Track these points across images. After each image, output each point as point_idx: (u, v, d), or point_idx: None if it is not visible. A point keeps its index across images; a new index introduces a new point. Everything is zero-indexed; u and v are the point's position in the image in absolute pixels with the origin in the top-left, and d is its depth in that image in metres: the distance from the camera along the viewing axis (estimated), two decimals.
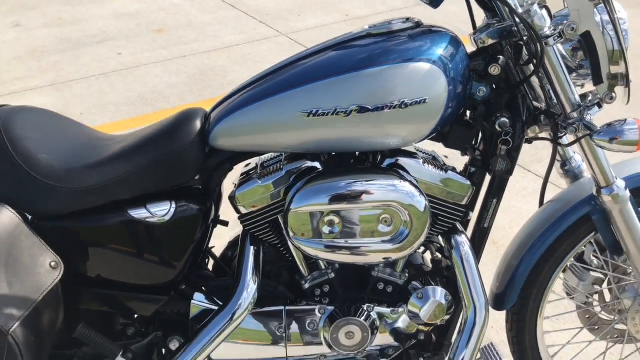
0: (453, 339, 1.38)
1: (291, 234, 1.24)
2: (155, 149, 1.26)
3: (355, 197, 1.20)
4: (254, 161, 1.39)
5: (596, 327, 1.59)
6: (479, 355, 1.29)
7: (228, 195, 1.33)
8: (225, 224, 1.43)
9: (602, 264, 1.51)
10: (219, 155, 1.30)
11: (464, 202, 1.31)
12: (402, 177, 1.22)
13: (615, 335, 1.60)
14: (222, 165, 1.32)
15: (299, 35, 4.22)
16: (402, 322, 1.37)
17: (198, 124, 1.28)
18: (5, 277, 1.10)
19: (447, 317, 1.37)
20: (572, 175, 1.49)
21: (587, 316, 1.60)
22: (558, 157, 1.48)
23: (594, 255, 1.53)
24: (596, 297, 1.57)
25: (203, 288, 1.39)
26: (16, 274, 1.12)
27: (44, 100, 3.37)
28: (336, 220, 1.22)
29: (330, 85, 1.16)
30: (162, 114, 1.49)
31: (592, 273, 1.53)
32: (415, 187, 1.21)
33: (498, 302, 1.48)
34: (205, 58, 3.89)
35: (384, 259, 1.25)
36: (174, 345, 1.38)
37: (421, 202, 1.21)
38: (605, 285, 1.54)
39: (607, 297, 1.57)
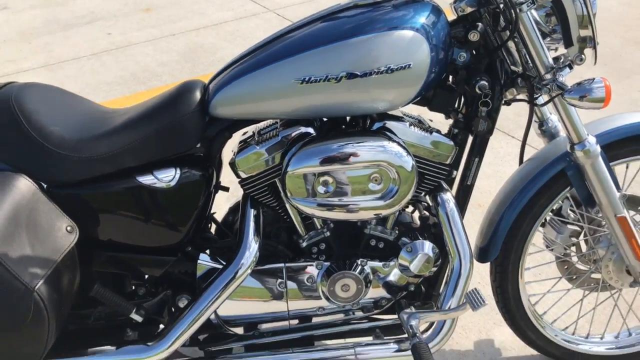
0: (441, 290, 1.49)
1: (289, 195, 1.34)
2: (159, 119, 1.34)
3: (347, 158, 1.30)
4: (250, 129, 1.48)
5: (574, 277, 1.71)
6: (464, 301, 1.40)
7: (228, 161, 1.43)
8: (226, 189, 1.52)
9: (578, 218, 1.62)
10: (218, 124, 1.39)
11: (448, 162, 1.41)
12: (390, 139, 1.32)
13: (591, 284, 1.72)
14: (221, 133, 1.40)
15: (286, 11, 4.27)
16: (393, 275, 1.48)
17: (198, 95, 1.37)
18: (27, 240, 1.19)
19: (435, 269, 1.48)
20: (549, 135, 1.59)
21: (565, 267, 1.71)
22: (536, 119, 1.58)
23: (570, 210, 1.64)
24: (573, 249, 1.69)
25: (207, 249, 1.49)
26: (37, 238, 1.21)
27: (37, 81, 3.41)
28: (330, 180, 1.31)
29: (321, 53, 1.25)
30: (155, 92, 1.55)
31: (569, 226, 1.64)
32: (403, 147, 1.31)
33: (482, 254, 1.59)
34: (195, 36, 3.93)
35: (374, 215, 1.36)
36: (182, 302, 1.48)
37: (408, 162, 1.31)
38: (581, 237, 1.66)
39: (583, 248, 1.68)
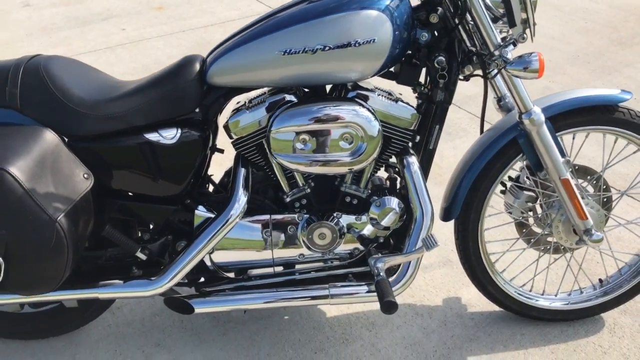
0: (405, 240, 1.70)
1: (273, 152, 1.56)
2: (163, 85, 1.58)
3: (322, 119, 1.52)
4: (242, 98, 1.71)
5: (530, 239, 1.92)
6: (421, 244, 1.61)
7: (223, 125, 1.66)
8: (221, 151, 1.75)
9: (533, 184, 1.83)
10: (214, 92, 1.62)
11: (412, 127, 1.63)
12: (360, 105, 1.54)
13: (546, 246, 1.92)
14: (217, 100, 1.63)
15: None
16: (365, 227, 1.70)
17: (197, 66, 1.60)
18: (52, 182, 1.42)
19: (400, 223, 1.69)
20: (506, 109, 1.80)
21: (523, 229, 1.92)
22: (494, 95, 1.80)
23: (526, 178, 1.85)
24: (530, 213, 1.90)
25: (204, 202, 1.72)
26: (59, 180, 1.44)
27: None
28: (307, 138, 1.54)
29: (300, 29, 1.48)
30: None
31: (525, 192, 1.85)
32: (371, 112, 1.53)
33: (445, 214, 1.80)
34: (203, 32, 4.18)
35: (346, 170, 1.58)
36: (180, 247, 1.71)
37: (375, 125, 1.53)
38: (537, 202, 1.87)
39: (539, 212, 1.89)
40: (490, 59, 1.57)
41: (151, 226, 1.73)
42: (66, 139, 1.54)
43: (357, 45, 1.47)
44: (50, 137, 1.48)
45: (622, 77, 3.52)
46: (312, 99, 1.58)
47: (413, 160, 1.66)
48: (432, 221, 1.65)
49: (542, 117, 1.64)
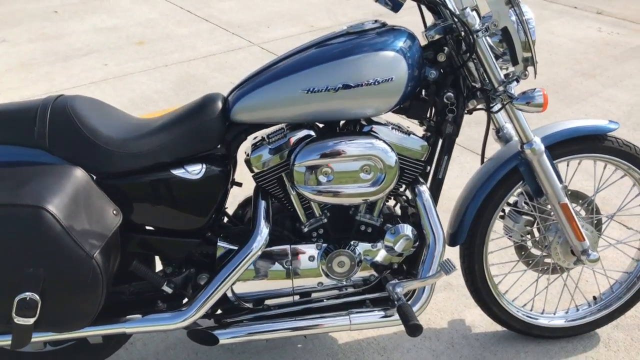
0: (419, 265, 1.78)
1: (296, 184, 1.64)
2: (189, 122, 1.64)
3: (343, 152, 1.61)
4: (260, 134, 1.78)
5: (529, 261, 2.04)
6: (439, 269, 1.69)
7: (244, 159, 1.73)
8: (239, 184, 1.81)
9: (531, 209, 1.95)
10: (236, 128, 1.69)
11: (422, 159, 1.73)
12: (377, 138, 1.64)
13: (544, 267, 2.04)
14: (238, 135, 1.71)
15: (270, 44, 4.63)
16: (380, 254, 1.78)
17: (219, 104, 1.67)
18: (85, 218, 1.45)
19: (414, 249, 1.78)
20: (504, 139, 1.93)
21: (522, 252, 2.04)
22: (493, 126, 1.92)
23: (524, 203, 1.97)
24: (528, 236, 2.01)
25: (224, 235, 1.77)
26: (92, 217, 1.47)
27: None
28: (329, 171, 1.62)
29: (323, 69, 1.57)
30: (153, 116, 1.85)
31: (524, 216, 1.97)
32: (388, 145, 1.63)
33: (452, 239, 1.90)
34: (186, 66, 4.25)
35: (365, 199, 1.66)
36: (202, 280, 1.75)
37: (392, 156, 1.63)
38: (534, 226, 1.99)
39: (536, 235, 2.01)
40: (494, 94, 1.70)
41: (170, 260, 1.77)
42: (94, 177, 1.58)
43: (376, 83, 1.57)
44: (81, 174, 1.52)
45: (589, 105, 3.75)
46: (331, 134, 1.67)
47: (424, 189, 1.76)
48: (444, 246, 1.74)
49: (542, 147, 1.77)
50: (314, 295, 1.82)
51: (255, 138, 1.78)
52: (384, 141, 1.64)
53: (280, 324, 1.75)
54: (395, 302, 1.66)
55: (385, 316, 1.76)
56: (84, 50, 4.49)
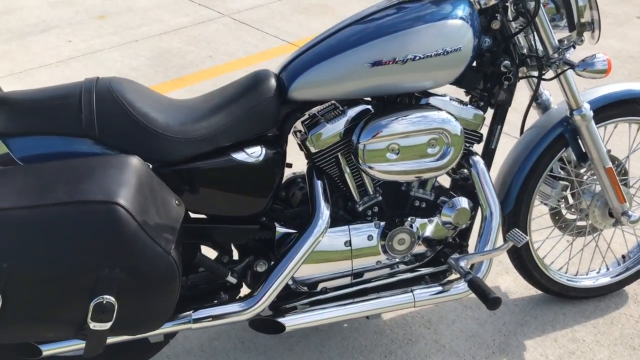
0: (478, 236, 1.76)
1: (361, 162, 1.57)
2: (245, 103, 1.53)
3: (410, 127, 1.55)
4: (307, 113, 1.69)
5: (563, 226, 2.07)
6: (508, 240, 1.68)
7: (300, 139, 1.64)
8: (290, 165, 1.73)
9: (567, 174, 1.97)
10: (290, 107, 1.60)
11: (479, 129, 1.70)
12: (441, 110, 1.59)
13: (578, 230, 2.08)
14: (293, 114, 1.62)
15: (241, 15, 4.45)
16: (437, 229, 1.75)
17: (273, 82, 1.57)
18: (155, 212, 1.34)
19: (470, 221, 1.77)
20: (543, 107, 1.93)
21: (557, 217, 2.07)
22: (531, 92, 1.92)
23: (560, 168, 1.99)
24: (562, 202, 2.04)
25: (279, 219, 1.69)
26: (159, 209, 1.35)
27: (8, 89, 3.37)
28: (396, 147, 1.57)
29: (388, 41, 1.50)
30: None
31: (561, 182, 1.99)
32: (452, 116, 1.59)
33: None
34: (158, 41, 4.02)
35: (432, 174, 1.62)
36: (260, 267, 1.67)
37: (458, 127, 1.59)
38: (568, 191, 2.01)
39: (570, 200, 2.04)
40: (548, 61, 1.68)
41: (225, 249, 1.67)
42: (150, 166, 1.46)
43: (445, 54, 1.52)
44: (140, 164, 1.39)
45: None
46: (391, 109, 1.61)
47: (478, 160, 1.74)
48: (501, 216, 1.74)
49: (591, 113, 1.78)
50: (368, 275, 1.77)
51: (303, 117, 1.69)
52: (449, 112, 1.59)
53: (344, 306, 1.70)
54: (464, 277, 1.65)
55: (447, 290, 1.74)
56: (40, 27, 4.15)
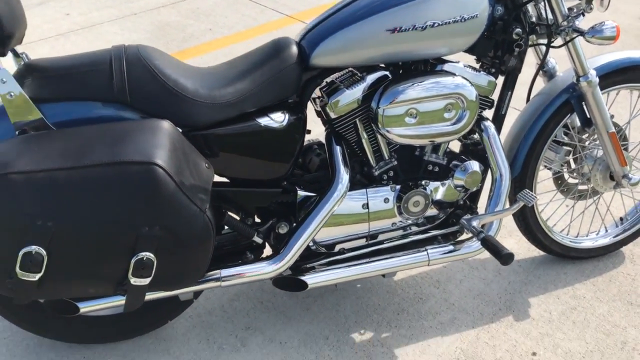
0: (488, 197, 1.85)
1: (380, 127, 1.64)
2: (268, 70, 1.58)
3: (428, 92, 1.62)
4: (325, 80, 1.74)
5: (565, 190, 2.16)
6: (519, 200, 1.77)
7: (319, 105, 1.70)
8: (309, 131, 1.79)
9: (571, 140, 2.06)
10: (310, 74, 1.66)
11: (491, 95, 1.77)
12: (457, 75, 1.65)
13: (579, 194, 2.18)
14: (313, 81, 1.67)
15: None
16: (449, 192, 1.83)
17: (295, 49, 1.62)
18: (189, 173, 1.39)
19: (481, 184, 1.85)
20: (549, 74, 2.01)
21: (559, 181, 2.16)
22: (538, 61, 1.99)
23: (564, 134, 2.07)
24: (565, 166, 2.13)
25: (299, 183, 1.75)
26: (192, 171, 1.41)
27: (10, 64, 3.37)
28: (415, 111, 1.63)
29: (409, 7, 1.56)
30: None
31: (564, 147, 2.07)
32: (468, 81, 1.65)
33: None
34: (157, 14, 4.02)
35: (448, 138, 1.69)
36: (282, 229, 1.74)
37: (473, 92, 1.66)
38: (571, 156, 2.10)
39: (573, 165, 2.13)
40: (557, 29, 1.75)
41: (248, 212, 1.74)
42: (180, 130, 1.51)
43: (462, 21, 1.58)
44: (172, 128, 1.44)
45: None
46: (409, 75, 1.67)
47: (489, 124, 1.81)
48: (510, 178, 1.82)
49: (597, 79, 1.85)
50: (383, 236, 1.85)
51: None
52: (464, 78, 1.66)
53: (362, 265, 1.78)
54: (477, 236, 1.73)
55: (460, 249, 1.83)
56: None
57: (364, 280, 2.11)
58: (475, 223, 1.77)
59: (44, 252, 1.28)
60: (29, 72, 1.45)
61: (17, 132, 1.44)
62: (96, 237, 1.30)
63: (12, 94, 1.41)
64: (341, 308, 2.01)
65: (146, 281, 1.36)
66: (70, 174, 1.29)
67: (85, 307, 1.53)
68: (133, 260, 1.33)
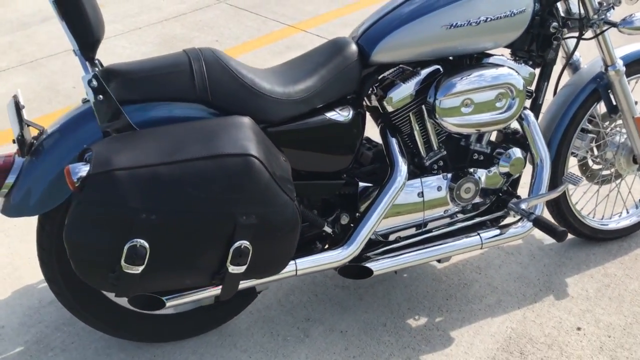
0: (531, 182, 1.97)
1: (438, 117, 1.74)
2: (333, 67, 1.68)
3: (481, 83, 1.73)
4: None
5: (589, 175, 2.30)
6: (565, 181, 1.89)
7: (377, 100, 1.79)
8: None
9: (594, 128, 2.20)
10: (368, 70, 1.75)
11: (531, 86, 1.90)
12: (505, 67, 1.77)
13: (602, 179, 2.32)
14: (370, 77, 1.77)
15: (236, 1, 4.53)
16: (495, 178, 1.94)
17: (354, 47, 1.72)
18: (276, 164, 1.47)
19: (523, 170, 1.96)
20: (574, 67, 2.15)
21: (584, 168, 2.30)
22: (563, 54, 2.13)
23: (587, 122, 2.21)
24: (589, 153, 2.27)
25: (358, 175, 1.84)
26: (277, 163, 1.49)
27: (24, 79, 3.38)
28: (469, 101, 1.74)
29: (464, 5, 1.67)
30: None
31: (589, 134, 2.21)
32: (515, 71, 1.77)
33: None
34: (161, 28, 4.07)
35: (499, 126, 1.80)
36: (343, 220, 1.82)
37: (521, 82, 1.78)
38: (594, 143, 2.24)
39: (596, 152, 2.27)
40: (588, 22, 1.89)
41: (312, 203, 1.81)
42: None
43: (512, 15, 1.70)
44: (253, 123, 1.52)
45: None
46: (461, 68, 1.78)
47: (529, 113, 1.93)
48: (550, 164, 1.94)
49: (624, 68, 2.00)
50: (435, 224, 1.94)
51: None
52: (512, 68, 1.78)
53: (420, 251, 1.87)
54: (528, 217, 1.85)
55: (509, 231, 1.93)
56: (38, 16, 4.13)
57: (410, 270, 2.20)
58: (524, 205, 1.88)
59: (147, 245, 1.34)
60: (111, 76, 1.51)
61: (102, 133, 1.49)
62: (197, 228, 1.36)
63: (100, 97, 1.47)
64: (392, 296, 2.10)
65: (242, 269, 1.42)
66: (171, 168, 1.35)
67: (171, 301, 1.57)
68: (232, 249, 1.39)
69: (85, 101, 1.57)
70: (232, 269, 1.41)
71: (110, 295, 1.74)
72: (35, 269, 2.15)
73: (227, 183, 1.36)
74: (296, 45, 3.82)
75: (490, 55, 1.84)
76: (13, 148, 1.55)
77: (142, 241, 1.33)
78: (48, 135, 1.53)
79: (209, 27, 4.09)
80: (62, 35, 3.85)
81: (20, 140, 1.50)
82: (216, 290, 1.56)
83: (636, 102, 2.10)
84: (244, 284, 1.60)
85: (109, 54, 3.69)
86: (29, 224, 2.37)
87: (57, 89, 3.27)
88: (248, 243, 1.40)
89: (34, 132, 1.57)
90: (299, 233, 1.48)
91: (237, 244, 1.39)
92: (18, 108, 1.52)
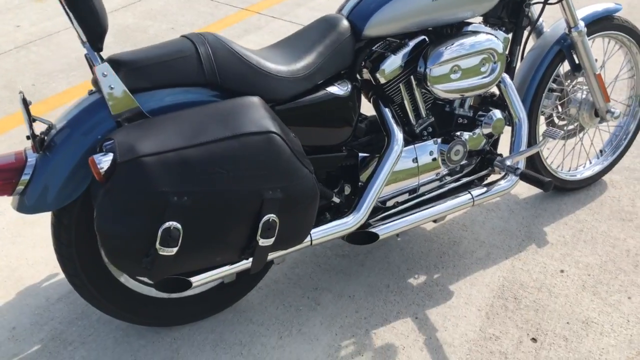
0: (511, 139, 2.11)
1: (429, 85, 1.84)
2: (330, 44, 1.74)
3: (466, 50, 1.84)
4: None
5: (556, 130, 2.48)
6: (545, 136, 2.04)
7: (369, 72, 1.87)
8: None
9: (558, 87, 2.37)
10: (360, 44, 1.83)
11: (507, 50, 2.03)
12: (485, 32, 1.89)
13: (567, 133, 2.50)
14: (362, 50, 1.84)
15: None
16: (479, 139, 2.07)
17: (346, 23, 1.79)
18: (289, 140, 1.52)
19: (503, 130, 2.11)
20: (538, 32, 2.31)
21: (551, 125, 2.47)
22: (526, 22, 2.27)
23: (552, 82, 2.38)
24: (554, 110, 2.45)
25: (355, 146, 1.92)
26: (290, 139, 1.55)
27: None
28: (457, 68, 1.85)
29: None
30: None
31: (554, 93, 2.39)
32: (495, 37, 1.90)
33: None
34: (112, 18, 3.98)
35: (484, 90, 1.93)
36: (346, 190, 1.91)
37: (501, 45, 1.90)
38: (558, 101, 2.42)
39: (561, 109, 2.45)
40: None
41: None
42: None
43: None
44: (264, 103, 1.57)
45: None
46: (446, 37, 1.88)
47: (506, 76, 2.07)
48: (527, 123, 2.10)
49: (585, 29, 2.17)
50: (428, 187, 2.06)
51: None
52: (493, 34, 1.90)
53: (418, 212, 1.98)
54: (514, 172, 1.99)
55: (497, 186, 2.07)
56: None
57: (402, 234, 2.32)
58: (509, 162, 2.02)
59: (180, 227, 1.38)
60: (118, 65, 1.51)
61: (115, 122, 1.51)
62: (227, 206, 1.41)
63: (112, 86, 1.48)
64: (391, 260, 2.21)
65: (271, 241, 1.48)
66: (198, 150, 1.38)
67: (198, 281, 1.61)
68: (261, 222, 1.45)
69: (91, 93, 1.57)
70: (262, 242, 1.47)
71: (129, 283, 1.77)
72: (34, 269, 2.13)
73: (253, 160, 1.42)
74: (254, 28, 3.84)
75: (469, 23, 1.96)
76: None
77: (175, 223, 1.37)
78: (59, 130, 1.53)
79: (162, 15, 4.04)
80: (9, 31, 3.73)
81: (34, 136, 1.49)
82: (245, 265, 1.62)
83: (596, 60, 2.28)
84: (270, 256, 1.66)
85: (64, 48, 3.59)
86: (17, 225, 2.33)
87: (16, 88, 3.16)
88: (275, 216, 1.46)
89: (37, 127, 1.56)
90: (318, 203, 1.55)
91: (265, 218, 1.45)
92: (26, 104, 1.51)
